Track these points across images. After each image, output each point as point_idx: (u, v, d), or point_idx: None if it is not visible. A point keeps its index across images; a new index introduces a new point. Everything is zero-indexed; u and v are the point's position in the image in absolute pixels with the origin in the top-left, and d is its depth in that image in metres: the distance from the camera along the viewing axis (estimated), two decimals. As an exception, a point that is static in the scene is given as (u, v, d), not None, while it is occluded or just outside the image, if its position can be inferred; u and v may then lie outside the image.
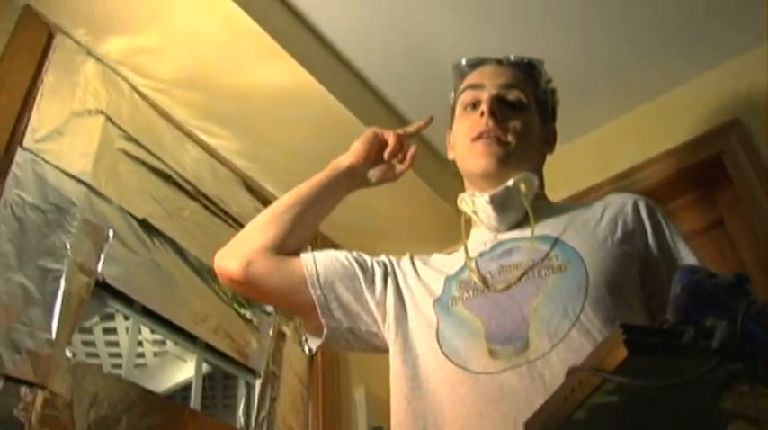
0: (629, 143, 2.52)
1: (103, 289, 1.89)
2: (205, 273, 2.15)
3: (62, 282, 1.74)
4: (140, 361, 3.54)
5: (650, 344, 0.85)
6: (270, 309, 2.33)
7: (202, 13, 1.99)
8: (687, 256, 1.40)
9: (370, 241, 2.70)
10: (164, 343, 3.40)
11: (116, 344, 3.44)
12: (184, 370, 2.86)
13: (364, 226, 2.65)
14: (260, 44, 2.06)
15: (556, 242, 1.38)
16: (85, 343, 3.15)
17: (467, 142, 1.50)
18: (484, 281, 1.36)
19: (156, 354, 3.53)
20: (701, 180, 2.38)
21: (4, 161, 1.76)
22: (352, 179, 1.62)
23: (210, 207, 2.27)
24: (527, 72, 1.59)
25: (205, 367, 2.50)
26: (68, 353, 1.72)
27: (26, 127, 1.83)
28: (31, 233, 1.73)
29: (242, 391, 2.21)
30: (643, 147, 2.46)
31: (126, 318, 3.16)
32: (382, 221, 2.63)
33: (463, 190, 1.58)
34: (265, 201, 2.47)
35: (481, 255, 1.44)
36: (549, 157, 2.61)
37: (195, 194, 2.23)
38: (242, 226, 2.32)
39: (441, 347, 1.32)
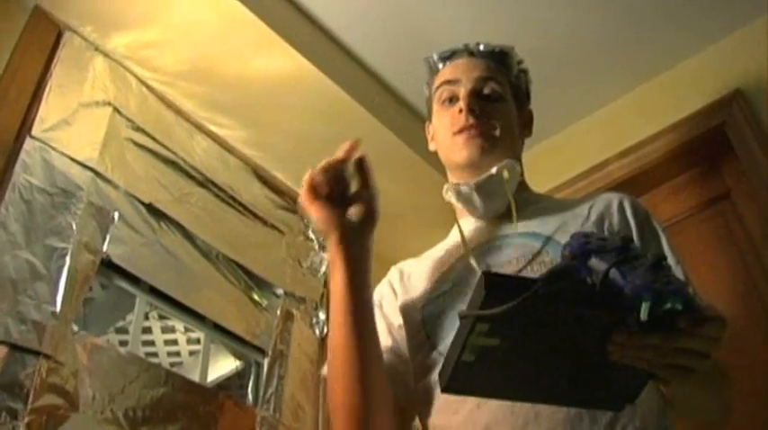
0: (634, 120, 2.53)
1: (111, 269, 1.99)
2: (213, 256, 2.24)
3: (67, 259, 1.84)
4: (176, 359, 3.66)
5: (506, 285, 0.92)
6: (279, 291, 2.40)
7: (199, 4, 2.08)
8: (669, 256, 1.39)
9: (381, 228, 2.75)
10: (198, 341, 3.51)
11: (152, 343, 3.56)
12: (218, 367, 2.96)
13: (375, 212, 2.70)
14: (257, 33, 2.14)
15: (548, 240, 1.39)
16: (122, 343, 3.27)
17: (448, 136, 1.53)
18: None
19: (191, 353, 3.64)
20: (705, 152, 2.37)
21: (13, 149, 1.88)
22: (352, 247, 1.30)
23: (220, 194, 2.36)
24: (499, 60, 1.60)
25: (238, 364, 2.59)
26: (74, 327, 1.81)
27: (35, 117, 1.94)
28: (38, 214, 1.84)
29: (251, 371, 2.28)
30: (647, 123, 2.47)
31: (161, 317, 3.31)
32: (392, 208, 2.65)
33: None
34: (276, 189, 2.56)
35: (472, 250, 1.45)
36: (555, 138, 2.69)
37: (204, 182, 2.32)
38: (252, 213, 2.43)
39: (431, 340, 1.36)
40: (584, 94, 2.61)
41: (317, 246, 2.63)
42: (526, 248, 1.39)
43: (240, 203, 2.41)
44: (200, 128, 2.39)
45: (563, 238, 1.37)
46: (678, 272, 1.37)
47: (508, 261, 1.38)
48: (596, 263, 0.96)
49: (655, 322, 0.91)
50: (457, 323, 0.99)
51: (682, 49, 2.47)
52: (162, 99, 2.30)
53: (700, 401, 1.26)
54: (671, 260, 1.38)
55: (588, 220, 1.43)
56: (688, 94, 2.42)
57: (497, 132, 1.50)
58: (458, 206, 1.55)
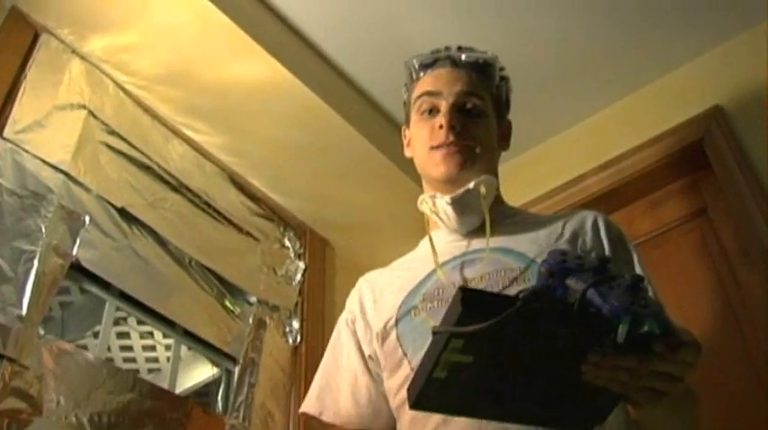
0: (616, 132, 2.53)
1: (81, 273, 1.97)
2: (186, 262, 2.22)
3: (35, 262, 1.81)
4: (155, 365, 3.65)
5: (483, 302, 0.92)
6: (253, 298, 2.39)
7: (178, 9, 2.07)
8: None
9: (358, 236, 2.77)
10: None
11: (130, 348, 3.55)
12: (196, 374, 2.94)
13: (352, 221, 2.71)
14: (233, 39, 2.13)
15: (512, 253, 1.40)
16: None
17: (425, 149, 1.52)
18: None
19: (169, 359, 3.63)
20: (684, 167, 2.37)
21: (-17, 150, 1.87)
22: None
23: (195, 200, 2.34)
24: (482, 71, 1.58)
25: (215, 371, 2.57)
26: (41, 331, 1.79)
27: (7, 119, 1.92)
28: (7, 216, 1.82)
29: (222, 378, 2.26)
30: (629, 136, 2.47)
31: (140, 322, 3.29)
32: (369, 216, 2.69)
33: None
34: (252, 196, 2.55)
35: (444, 264, 1.46)
36: (537, 150, 2.68)
37: (178, 187, 2.31)
38: (227, 220, 2.42)
39: (409, 358, 1.37)
40: (567, 105, 2.61)
41: (292, 254, 2.62)
42: (498, 264, 1.39)
43: (215, 209, 2.40)
44: (176, 133, 2.38)
45: (534, 254, 1.38)
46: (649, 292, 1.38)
47: (480, 276, 1.38)
48: (573, 282, 0.96)
49: (631, 344, 0.91)
50: (430, 338, 0.99)
51: (664, 62, 2.48)
52: (138, 103, 2.29)
53: (669, 423, 1.25)
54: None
55: (562, 238, 1.43)
56: (669, 107, 2.43)
57: (477, 149, 1.49)
58: (432, 217, 1.55)
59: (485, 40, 1.81)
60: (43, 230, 1.87)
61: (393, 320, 1.42)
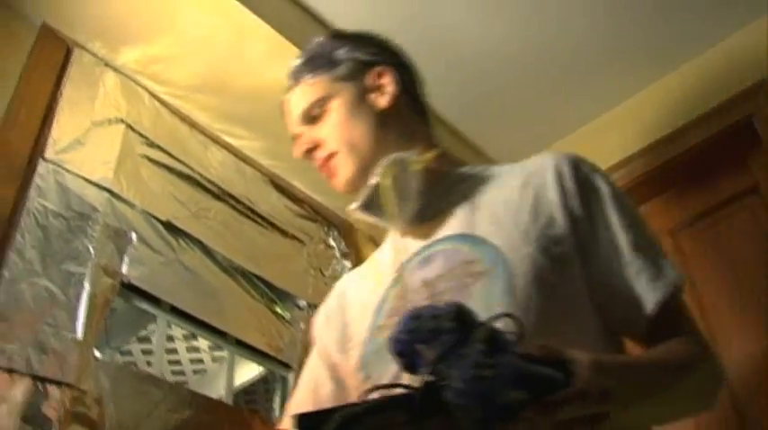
0: (661, 112, 2.46)
1: (132, 290, 1.96)
2: (233, 270, 2.20)
3: (86, 284, 1.81)
4: (199, 367, 3.64)
5: (320, 420, 0.84)
6: (302, 302, 2.36)
7: (210, 16, 2.04)
8: (618, 228, 1.21)
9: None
10: (221, 349, 3.51)
11: (174, 351, 3.55)
12: (242, 374, 2.93)
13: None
14: (270, 42, 2.10)
15: (470, 239, 1.23)
16: (145, 352, 3.25)
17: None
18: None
19: (214, 360, 3.63)
20: (733, 144, 2.30)
21: (26, 173, 1.84)
22: None
23: (238, 207, 2.32)
24: (312, 67, 1.44)
25: (261, 370, 2.54)
26: (97, 353, 1.78)
27: (47, 139, 1.91)
28: (55, 239, 1.81)
29: (278, 385, 2.25)
30: (674, 115, 2.41)
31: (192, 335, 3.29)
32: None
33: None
34: (294, 198, 2.52)
35: (402, 266, 1.30)
36: (581, 132, 2.62)
37: (221, 195, 2.29)
38: (271, 224, 2.38)
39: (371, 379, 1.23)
40: (609, 88, 2.54)
41: (338, 254, 2.59)
42: (456, 256, 1.22)
43: (258, 215, 2.38)
44: (215, 140, 2.35)
45: (490, 233, 1.21)
46: (622, 237, 1.19)
47: (439, 275, 1.22)
48: (429, 353, 0.85)
49: (502, 412, 0.80)
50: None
51: (706, 38, 2.41)
52: (175, 113, 2.27)
53: (655, 413, 1.13)
54: (618, 226, 1.21)
55: (522, 203, 1.23)
56: (714, 85, 2.36)
57: (346, 148, 1.36)
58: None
59: (515, 29, 1.75)
60: (91, 251, 1.86)
61: (358, 340, 1.30)
